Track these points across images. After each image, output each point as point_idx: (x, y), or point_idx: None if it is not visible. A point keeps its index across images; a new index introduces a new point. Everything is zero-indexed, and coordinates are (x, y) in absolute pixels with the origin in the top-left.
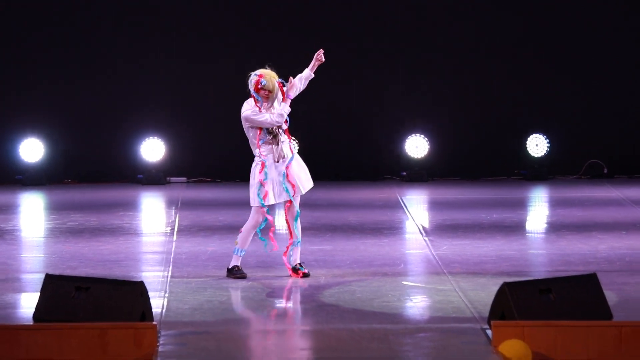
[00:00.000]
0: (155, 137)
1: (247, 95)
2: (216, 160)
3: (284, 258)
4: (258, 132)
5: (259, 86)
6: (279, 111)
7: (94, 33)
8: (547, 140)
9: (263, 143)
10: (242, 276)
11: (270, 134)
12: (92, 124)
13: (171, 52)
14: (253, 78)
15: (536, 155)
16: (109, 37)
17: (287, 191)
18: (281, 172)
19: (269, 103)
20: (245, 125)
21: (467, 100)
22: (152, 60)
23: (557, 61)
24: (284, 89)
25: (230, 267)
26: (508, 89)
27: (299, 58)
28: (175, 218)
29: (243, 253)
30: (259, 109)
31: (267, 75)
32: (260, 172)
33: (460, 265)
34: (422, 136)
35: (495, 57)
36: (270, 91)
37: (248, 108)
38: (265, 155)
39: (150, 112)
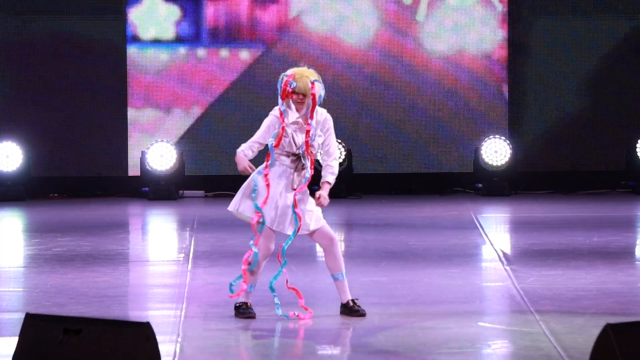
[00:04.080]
0: (164, 141)
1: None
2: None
3: (293, 290)
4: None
5: (289, 88)
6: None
7: None
8: None
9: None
10: (251, 316)
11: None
12: (81, 123)
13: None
14: (283, 79)
15: None
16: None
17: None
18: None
19: (302, 111)
20: None
21: (558, 92)
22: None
23: None
24: (316, 92)
25: (237, 304)
26: (614, 76)
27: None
28: (190, 242)
29: (252, 289)
30: (282, 119)
31: (298, 74)
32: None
33: (551, 302)
34: (503, 138)
35: (598, 34)
36: (304, 95)
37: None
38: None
39: (156, 104)
